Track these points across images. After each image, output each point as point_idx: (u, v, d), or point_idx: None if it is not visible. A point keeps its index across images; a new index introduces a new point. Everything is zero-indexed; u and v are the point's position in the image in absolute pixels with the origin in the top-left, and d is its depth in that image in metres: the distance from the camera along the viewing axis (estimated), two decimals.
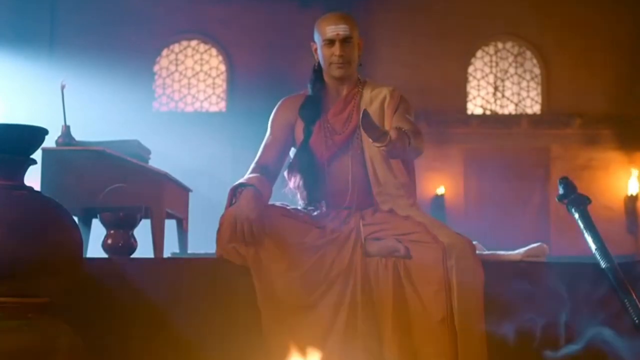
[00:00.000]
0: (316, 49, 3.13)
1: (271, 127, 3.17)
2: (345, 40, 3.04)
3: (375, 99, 3.12)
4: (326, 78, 3.15)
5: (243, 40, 10.68)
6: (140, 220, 3.39)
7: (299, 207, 3.10)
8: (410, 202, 3.04)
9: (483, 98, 11.04)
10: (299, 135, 3.11)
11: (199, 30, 10.97)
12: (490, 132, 10.72)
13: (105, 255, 3.23)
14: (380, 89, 3.16)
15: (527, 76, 11.02)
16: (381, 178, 3.05)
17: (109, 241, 3.23)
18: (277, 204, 3.02)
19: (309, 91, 3.16)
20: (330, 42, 3.05)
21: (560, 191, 2.86)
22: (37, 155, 2.63)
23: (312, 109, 3.10)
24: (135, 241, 3.29)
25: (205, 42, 11.01)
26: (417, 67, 10.45)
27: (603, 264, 2.66)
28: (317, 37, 3.11)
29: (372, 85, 3.18)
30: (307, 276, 2.76)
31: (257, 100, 9.48)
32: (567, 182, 2.88)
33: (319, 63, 3.14)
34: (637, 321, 2.49)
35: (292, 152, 3.19)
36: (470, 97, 11.00)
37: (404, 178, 3.07)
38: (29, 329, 2.28)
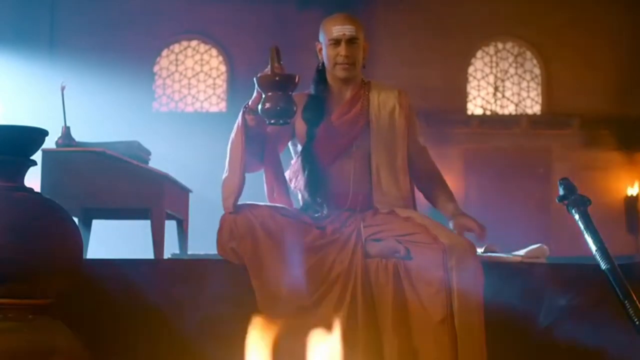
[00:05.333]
0: (320, 49, 3.11)
1: None
2: (351, 41, 3.02)
3: (383, 107, 3.11)
4: (329, 79, 3.13)
5: (243, 40, 10.67)
6: (298, 81, 2.89)
7: (300, 209, 3.09)
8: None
9: (483, 98, 11.04)
10: (300, 132, 3.09)
11: (199, 30, 10.96)
12: (490, 132, 10.71)
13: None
14: (387, 93, 3.15)
15: (527, 76, 11.01)
16: (385, 187, 3.05)
17: (267, 105, 2.80)
18: (278, 205, 3.02)
19: (312, 92, 3.14)
20: (336, 42, 3.03)
21: (561, 192, 2.85)
22: (37, 156, 2.63)
23: (316, 110, 3.08)
24: (295, 105, 2.84)
25: (206, 43, 11.01)
26: (417, 67, 10.44)
27: (603, 265, 2.65)
28: (322, 37, 3.09)
29: (378, 88, 3.16)
30: (308, 277, 2.75)
31: None
32: (567, 183, 2.87)
33: (322, 63, 3.13)
34: (637, 323, 2.48)
35: (293, 151, 3.18)
36: (470, 97, 11.00)
37: (407, 192, 3.09)
38: (29, 330, 2.28)
